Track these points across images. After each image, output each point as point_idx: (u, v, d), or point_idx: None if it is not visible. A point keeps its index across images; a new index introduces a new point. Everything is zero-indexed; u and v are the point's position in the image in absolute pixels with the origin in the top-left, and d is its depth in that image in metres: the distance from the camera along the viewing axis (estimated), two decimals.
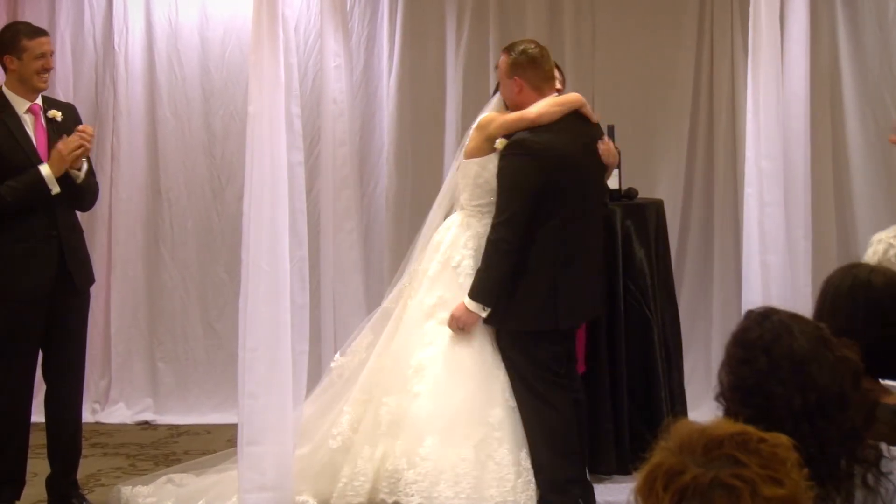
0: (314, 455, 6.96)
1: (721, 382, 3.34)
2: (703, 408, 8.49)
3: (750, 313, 3.42)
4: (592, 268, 6.95)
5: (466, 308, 6.76)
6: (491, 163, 6.90)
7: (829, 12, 8.78)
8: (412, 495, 6.54)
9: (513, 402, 6.78)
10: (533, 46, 6.97)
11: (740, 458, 2.46)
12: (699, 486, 2.43)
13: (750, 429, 2.56)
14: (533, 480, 6.65)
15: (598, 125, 6.99)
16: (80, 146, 6.97)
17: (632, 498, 2.51)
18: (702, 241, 9.04)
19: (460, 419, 6.73)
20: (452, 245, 7.02)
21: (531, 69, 6.86)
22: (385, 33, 9.25)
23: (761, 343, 3.29)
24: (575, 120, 6.85)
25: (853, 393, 3.29)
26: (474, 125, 7.07)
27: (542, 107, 6.78)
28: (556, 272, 6.73)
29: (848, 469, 3.22)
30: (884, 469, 3.24)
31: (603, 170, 7.03)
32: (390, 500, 6.60)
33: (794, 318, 3.36)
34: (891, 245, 4.83)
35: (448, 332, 6.85)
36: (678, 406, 7.42)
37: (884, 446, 3.28)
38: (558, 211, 6.70)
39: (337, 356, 7.17)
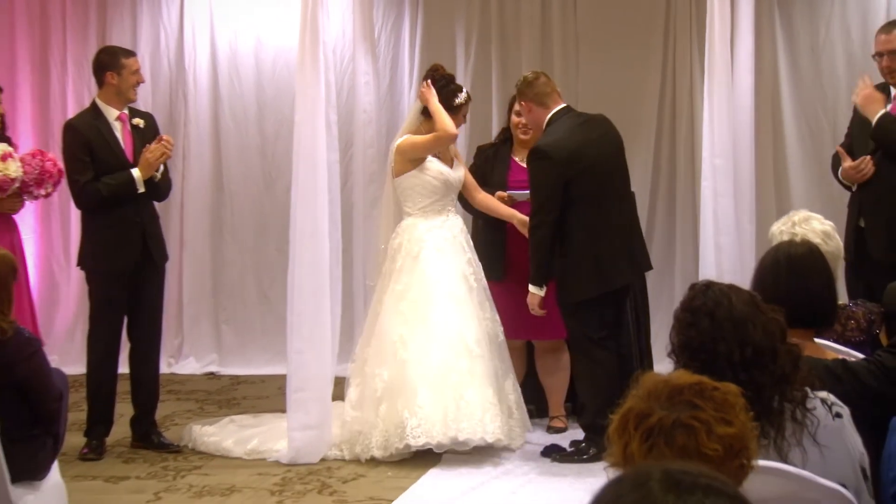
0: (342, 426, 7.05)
1: (672, 343, 3.36)
2: (667, 362, 8.45)
3: (694, 285, 3.43)
4: (624, 239, 6.91)
5: (531, 293, 6.83)
6: (422, 173, 7.15)
7: (770, 38, 8.75)
8: (418, 437, 6.69)
9: (478, 351, 6.93)
10: (529, 73, 7.09)
11: (698, 403, 2.46)
12: (664, 426, 2.44)
13: (705, 379, 2.56)
14: (500, 414, 6.82)
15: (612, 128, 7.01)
16: (163, 154, 7.00)
17: (608, 437, 2.51)
18: (666, 226, 9.02)
19: (440, 372, 6.85)
20: (409, 241, 7.14)
21: (528, 90, 6.90)
22: (406, 56, 9.24)
23: (705, 309, 3.30)
24: (588, 123, 6.89)
25: (781, 346, 3.31)
26: (393, 149, 7.25)
27: (431, 136, 7.10)
28: (594, 247, 6.74)
29: (779, 407, 3.23)
30: (808, 406, 3.25)
31: (621, 158, 7.00)
32: (401, 445, 6.68)
33: (731, 287, 3.38)
34: (793, 234, 4.81)
35: (419, 308, 7.01)
36: (646, 361, 7.40)
37: (808, 390, 3.29)
38: (580, 197, 6.72)
39: (350, 365, 7.24)
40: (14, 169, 6.76)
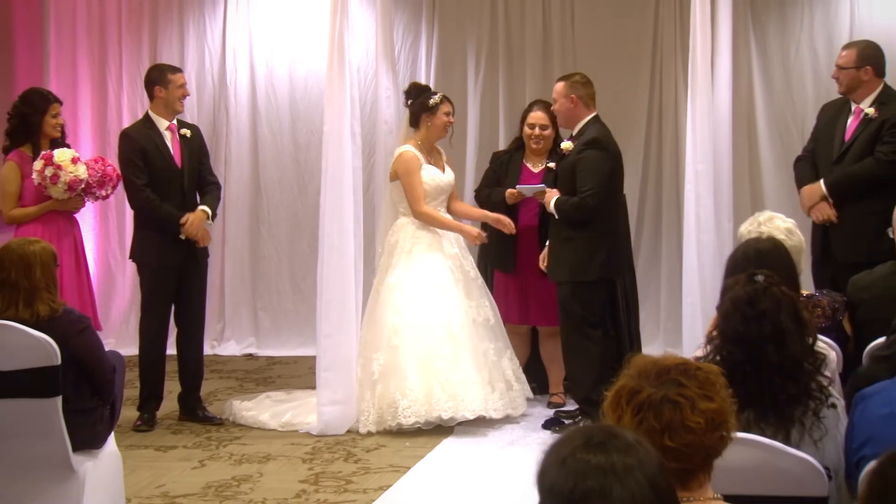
0: None
1: (725, 329, 3.32)
2: (654, 345, 8.52)
3: (752, 278, 3.37)
4: (624, 240, 7.15)
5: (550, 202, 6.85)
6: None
7: (746, 57, 8.72)
8: (409, 417, 6.76)
9: (462, 336, 6.96)
10: (578, 75, 7.10)
11: (683, 382, 2.46)
12: (652, 401, 2.43)
13: (689, 360, 2.55)
14: (483, 392, 6.86)
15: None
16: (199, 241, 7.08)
17: (603, 411, 2.50)
18: (654, 224, 8.99)
19: (427, 358, 6.89)
20: (404, 238, 7.19)
21: (583, 88, 6.92)
22: (423, 73, 9.20)
23: (762, 312, 3.26)
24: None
25: (810, 366, 3.29)
26: (395, 154, 7.26)
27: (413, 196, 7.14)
28: (609, 240, 6.85)
29: (790, 414, 3.22)
30: (822, 415, 3.24)
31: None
32: (393, 423, 6.72)
33: (783, 293, 3.33)
34: (760, 232, 4.81)
35: (411, 299, 7.03)
36: (635, 345, 7.39)
37: (825, 396, 3.28)
38: (616, 191, 6.87)
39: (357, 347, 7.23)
40: (83, 171, 6.83)
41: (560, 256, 6.88)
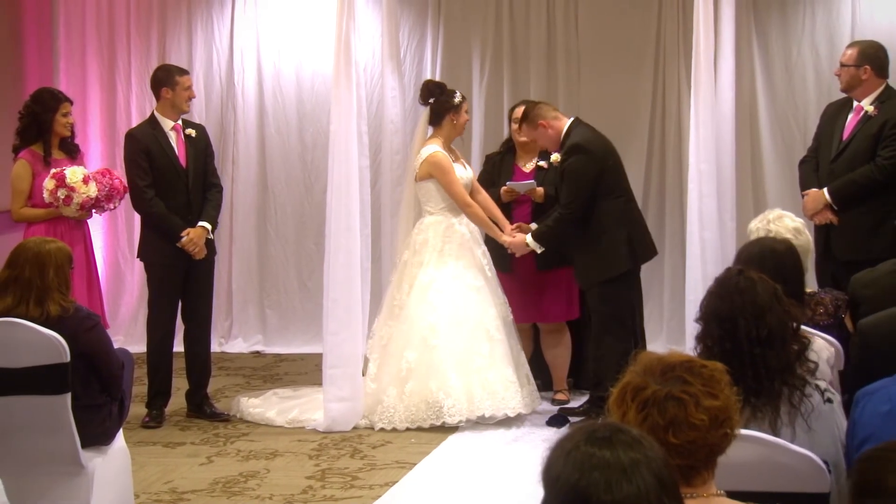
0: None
1: (702, 310, 3.36)
2: (657, 343, 8.50)
3: (730, 268, 3.46)
4: (643, 227, 7.10)
5: (525, 244, 6.88)
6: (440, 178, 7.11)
7: (749, 58, 8.71)
8: (454, 415, 6.73)
9: (498, 336, 6.95)
10: (529, 101, 7.21)
11: (687, 379, 2.45)
12: (657, 398, 2.43)
13: (694, 357, 2.55)
14: (519, 389, 6.86)
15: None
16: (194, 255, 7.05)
17: (608, 407, 2.50)
18: (657, 223, 8.96)
19: (466, 356, 6.87)
20: (434, 237, 7.13)
21: (542, 110, 6.93)
22: (428, 73, 9.19)
23: (737, 289, 3.30)
24: (598, 132, 6.97)
25: (791, 337, 3.30)
26: (422, 157, 7.14)
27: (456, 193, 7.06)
28: (625, 230, 6.83)
29: (779, 390, 3.21)
30: (806, 393, 3.23)
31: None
32: (438, 423, 6.73)
33: (760, 277, 3.37)
34: (768, 231, 4.81)
35: (446, 297, 7.00)
36: (640, 341, 7.38)
37: (810, 378, 3.29)
38: (610, 190, 6.82)
39: (368, 341, 7.18)
40: (93, 190, 6.84)
41: (585, 262, 6.86)
